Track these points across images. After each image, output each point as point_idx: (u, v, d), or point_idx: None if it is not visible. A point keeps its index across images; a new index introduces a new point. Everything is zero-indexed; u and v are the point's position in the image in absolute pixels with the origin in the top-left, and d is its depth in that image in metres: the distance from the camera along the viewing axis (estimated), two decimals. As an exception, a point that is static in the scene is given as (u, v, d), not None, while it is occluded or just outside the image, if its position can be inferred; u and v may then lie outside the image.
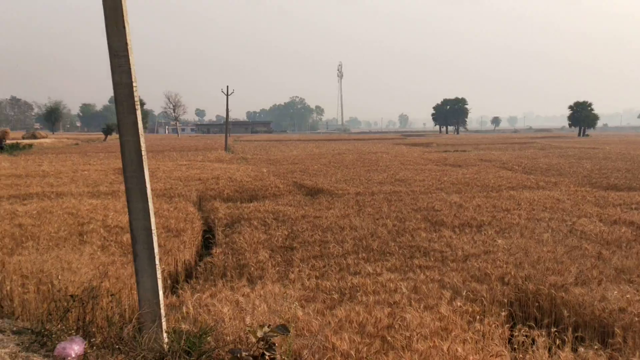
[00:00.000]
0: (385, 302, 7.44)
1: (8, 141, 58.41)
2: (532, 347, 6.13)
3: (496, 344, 6.11)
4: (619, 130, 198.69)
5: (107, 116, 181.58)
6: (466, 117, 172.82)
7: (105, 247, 10.76)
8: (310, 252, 10.82)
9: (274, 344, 4.60)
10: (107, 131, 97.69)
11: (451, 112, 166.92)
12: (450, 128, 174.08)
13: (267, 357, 4.50)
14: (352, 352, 5.66)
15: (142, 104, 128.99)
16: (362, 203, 17.06)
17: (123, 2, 5.22)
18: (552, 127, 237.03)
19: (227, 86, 58.03)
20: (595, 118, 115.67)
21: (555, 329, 6.69)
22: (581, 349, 6.12)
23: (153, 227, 5.69)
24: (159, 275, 5.53)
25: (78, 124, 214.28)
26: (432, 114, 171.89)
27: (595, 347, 6.19)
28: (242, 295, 7.77)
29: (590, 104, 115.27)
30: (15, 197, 17.21)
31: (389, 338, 6.13)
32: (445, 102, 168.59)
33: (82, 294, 4.98)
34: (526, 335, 6.28)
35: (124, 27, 5.25)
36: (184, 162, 34.53)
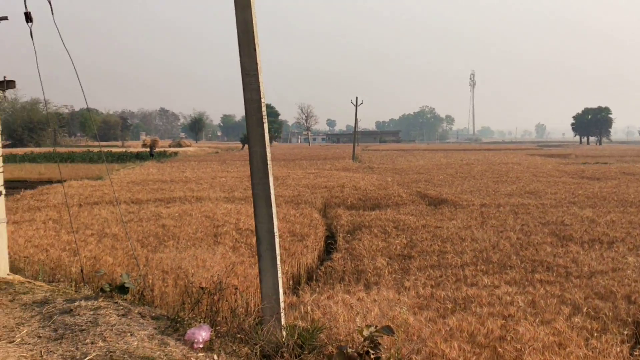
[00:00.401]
0: (499, 315, 7.39)
1: (157, 149, 64.47)
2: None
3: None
4: None
5: (245, 126, 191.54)
6: (610, 127, 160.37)
7: (236, 248, 11.64)
8: (428, 261, 10.91)
9: (379, 344, 4.87)
10: (244, 140, 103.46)
11: (593, 121, 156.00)
12: (592, 139, 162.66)
13: (371, 356, 4.78)
14: (460, 360, 5.76)
15: (276, 114, 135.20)
16: (487, 215, 16.72)
17: (254, 27, 5.80)
18: None
19: (357, 97, 59.03)
20: None
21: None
22: None
23: (276, 230, 6.18)
24: (279, 274, 6.01)
25: (219, 134, 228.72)
26: (572, 124, 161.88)
27: None
28: (357, 299, 8.10)
29: None
30: (161, 201, 19.01)
31: (500, 349, 6.14)
32: (587, 111, 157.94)
33: (210, 287, 5.60)
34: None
35: (255, 50, 5.82)
36: (313, 170, 35.75)
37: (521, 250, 11.66)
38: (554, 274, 9.72)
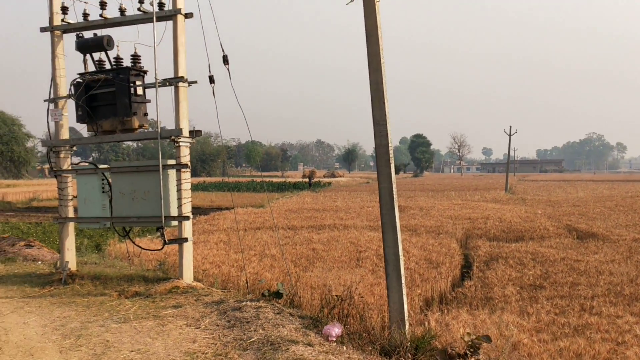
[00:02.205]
0: (612, 340, 7.86)
1: (314, 179, 68.91)
2: None
3: None
4: None
5: (397, 156, 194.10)
6: None
7: (375, 271, 12.95)
8: (558, 292, 11.31)
9: (479, 348, 5.87)
10: (395, 171, 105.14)
11: None
12: None
13: (469, 357, 5.80)
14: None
15: (428, 144, 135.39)
16: (635, 250, 16.27)
17: (384, 87, 7.22)
18: None
19: (510, 126, 57.87)
20: None
21: None
22: None
23: (400, 253, 7.43)
24: (404, 290, 7.23)
25: (371, 164, 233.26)
26: None
27: None
28: (480, 321, 8.98)
29: None
30: (312, 227, 21.01)
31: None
32: None
33: (342, 294, 6.97)
34: None
35: (384, 104, 7.22)
36: (459, 201, 36.03)
37: (661, 286, 11.54)
38: (688, 310, 9.69)
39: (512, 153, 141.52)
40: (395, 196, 7.52)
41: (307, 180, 67.41)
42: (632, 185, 67.04)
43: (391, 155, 7.47)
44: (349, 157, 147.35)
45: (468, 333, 5.98)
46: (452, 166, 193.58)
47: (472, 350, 5.88)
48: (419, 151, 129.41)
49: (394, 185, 7.57)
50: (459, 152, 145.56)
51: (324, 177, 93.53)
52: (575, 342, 7.65)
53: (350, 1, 7.19)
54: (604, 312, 9.62)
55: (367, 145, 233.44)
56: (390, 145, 7.40)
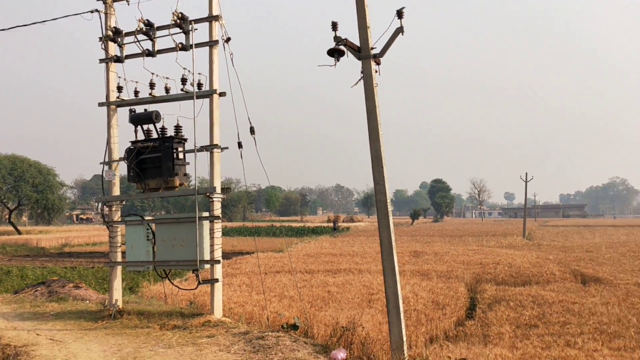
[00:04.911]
0: (584, 370, 9.08)
1: (339, 224, 71.98)
2: None
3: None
4: None
5: (417, 201, 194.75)
6: None
7: (384, 311, 14.24)
8: (549, 330, 12.50)
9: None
10: (415, 216, 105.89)
11: None
12: None
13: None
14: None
15: (447, 189, 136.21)
16: (634, 293, 17.28)
17: (382, 154, 8.80)
18: None
19: (526, 173, 58.97)
20: None
21: None
22: None
23: (399, 292, 8.85)
24: (403, 324, 8.63)
25: (391, 208, 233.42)
26: None
27: None
28: (472, 353, 10.23)
29: None
30: (329, 271, 22.40)
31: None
32: None
33: (347, 325, 8.36)
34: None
35: (382, 167, 8.79)
36: (475, 247, 37.06)
37: (645, 326, 12.64)
38: (662, 346, 10.83)
39: (533, 198, 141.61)
40: (393, 243, 9.01)
41: (332, 224, 69.85)
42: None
43: (389, 209, 9.02)
44: (368, 202, 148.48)
45: (449, 356, 7.31)
46: (474, 211, 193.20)
47: (451, 370, 7.21)
48: (438, 196, 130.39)
49: (393, 235, 9.07)
50: (479, 197, 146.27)
51: (343, 221, 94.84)
52: (550, 370, 8.89)
53: (355, 84, 8.84)
54: (585, 346, 10.83)
55: (389, 190, 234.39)
56: (387, 200, 8.95)
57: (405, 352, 8.33)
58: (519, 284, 20.71)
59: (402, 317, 8.66)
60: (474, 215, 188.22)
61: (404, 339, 8.48)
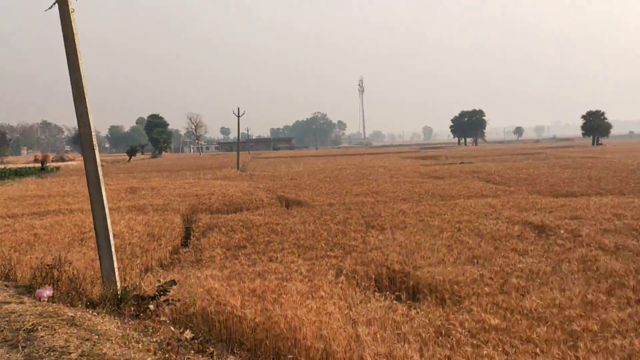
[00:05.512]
0: (282, 278, 10.42)
1: (48, 163, 66.17)
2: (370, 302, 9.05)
3: (339, 298, 9.06)
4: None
5: (135, 137, 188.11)
6: (484, 129, 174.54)
7: (94, 248, 13.96)
8: (256, 249, 13.87)
9: (168, 290, 7.64)
10: (132, 152, 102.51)
11: (469, 123, 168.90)
12: (470, 139, 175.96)
13: (161, 298, 7.54)
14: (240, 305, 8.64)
15: (165, 125, 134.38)
16: (326, 212, 19.99)
17: (85, 85, 8.43)
18: (576, 136, 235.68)
19: (238, 108, 61.69)
20: (608, 127, 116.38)
21: (398, 293, 9.62)
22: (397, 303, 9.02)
23: (109, 225, 8.80)
24: (114, 257, 8.66)
25: (107, 145, 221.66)
26: (451, 126, 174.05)
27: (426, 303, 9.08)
28: (184, 276, 10.83)
29: (603, 113, 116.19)
30: (36, 214, 20.69)
31: (268, 297, 9.09)
32: (463, 114, 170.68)
33: (52, 263, 8.10)
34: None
35: (85, 99, 8.45)
36: (192, 180, 37.96)
37: (332, 237, 14.89)
38: (343, 251, 13.00)
39: (246, 132, 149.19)
40: (101, 177, 8.86)
41: (40, 165, 64.71)
42: (346, 158, 77.19)
43: (95, 142, 8.79)
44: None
45: (158, 280, 7.69)
46: (192, 146, 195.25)
47: (162, 292, 7.62)
48: (155, 132, 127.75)
49: (99, 167, 8.90)
50: (196, 132, 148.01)
51: (52, 161, 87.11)
52: (254, 282, 9.99)
53: (49, 8, 8.19)
54: (285, 260, 12.35)
55: (102, 126, 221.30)
56: (93, 133, 8.70)
57: (117, 282, 8.47)
58: (231, 211, 22.14)
59: (112, 249, 8.71)
60: (192, 150, 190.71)
61: (116, 271, 8.59)
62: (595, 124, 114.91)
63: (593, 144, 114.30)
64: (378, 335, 7.17)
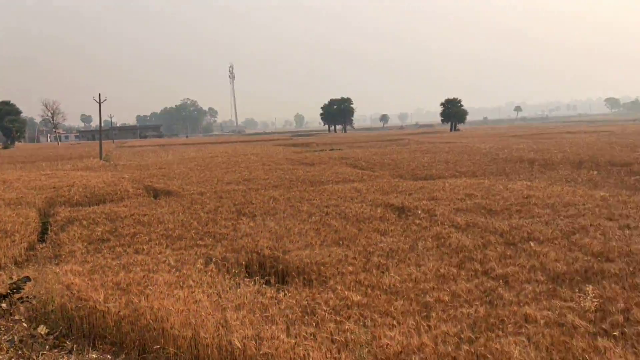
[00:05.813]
0: (148, 270, 10.17)
1: None
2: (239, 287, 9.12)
3: (209, 286, 9.04)
4: (497, 123, 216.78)
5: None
6: (352, 116, 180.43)
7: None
8: (121, 241, 13.36)
9: (22, 288, 7.16)
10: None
11: (338, 111, 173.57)
12: (339, 127, 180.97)
13: (15, 296, 7.05)
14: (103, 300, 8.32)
15: (17, 112, 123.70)
16: (197, 201, 19.66)
17: None
18: (436, 122, 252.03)
19: (99, 94, 58.36)
20: (464, 113, 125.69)
21: (267, 278, 9.79)
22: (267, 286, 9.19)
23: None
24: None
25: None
26: (321, 114, 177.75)
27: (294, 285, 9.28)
28: (41, 274, 10.20)
29: (459, 101, 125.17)
30: None
31: (134, 290, 8.84)
32: (332, 102, 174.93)
33: None
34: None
35: None
36: (49, 171, 35.39)
37: (203, 226, 14.73)
38: (213, 240, 12.93)
39: (110, 119, 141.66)
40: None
41: None
42: (217, 146, 76.13)
43: None
44: None
45: (10, 277, 7.19)
46: (49, 135, 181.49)
47: (15, 290, 7.12)
48: (7, 120, 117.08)
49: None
50: (53, 120, 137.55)
51: None
52: (118, 275, 9.66)
53: None
54: (152, 251, 12.05)
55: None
56: None
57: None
58: (93, 203, 21.04)
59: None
60: (49, 140, 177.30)
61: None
62: (452, 111, 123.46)
63: (451, 129, 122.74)
64: (247, 319, 7.29)
